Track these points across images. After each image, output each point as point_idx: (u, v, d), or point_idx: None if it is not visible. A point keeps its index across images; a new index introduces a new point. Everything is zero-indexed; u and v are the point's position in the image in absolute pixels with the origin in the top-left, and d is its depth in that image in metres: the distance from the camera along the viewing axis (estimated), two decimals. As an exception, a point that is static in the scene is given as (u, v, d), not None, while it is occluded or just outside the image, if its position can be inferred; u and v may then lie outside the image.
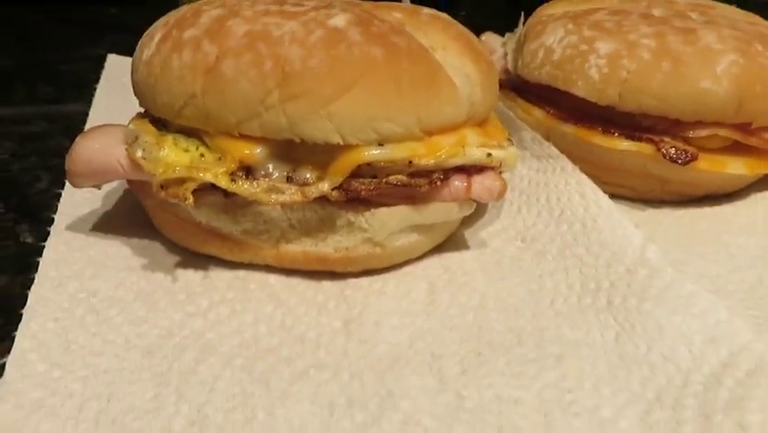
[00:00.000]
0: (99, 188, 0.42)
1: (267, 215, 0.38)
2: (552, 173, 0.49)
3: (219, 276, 0.39)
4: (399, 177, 0.36)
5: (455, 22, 0.43)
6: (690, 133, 0.46)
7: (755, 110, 0.45)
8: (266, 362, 0.33)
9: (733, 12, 0.53)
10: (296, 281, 0.39)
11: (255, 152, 0.36)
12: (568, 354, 0.35)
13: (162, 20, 0.40)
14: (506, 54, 0.58)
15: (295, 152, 0.36)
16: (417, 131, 0.36)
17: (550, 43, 0.50)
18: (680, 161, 0.46)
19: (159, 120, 0.39)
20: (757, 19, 0.53)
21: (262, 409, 0.30)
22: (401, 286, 0.39)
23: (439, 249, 0.43)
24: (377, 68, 0.35)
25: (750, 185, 0.52)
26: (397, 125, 0.35)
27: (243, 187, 0.35)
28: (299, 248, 0.38)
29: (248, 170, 0.36)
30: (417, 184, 0.36)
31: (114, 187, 0.47)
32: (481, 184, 0.39)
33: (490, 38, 0.63)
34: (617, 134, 0.47)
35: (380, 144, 0.35)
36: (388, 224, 0.37)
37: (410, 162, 0.36)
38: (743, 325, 0.35)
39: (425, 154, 0.36)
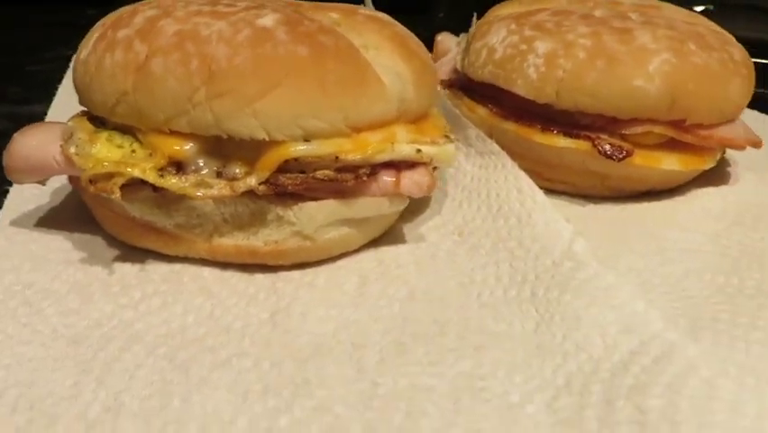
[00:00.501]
0: (44, 184, 0.43)
1: (199, 209, 0.39)
2: (493, 170, 0.50)
3: (155, 269, 0.40)
4: (326, 172, 0.37)
5: (393, 22, 0.44)
6: (626, 130, 0.48)
7: (688, 107, 0.46)
8: (189, 351, 0.34)
9: (676, 12, 0.54)
10: (229, 274, 0.40)
11: (185, 148, 0.37)
12: (487, 344, 0.36)
13: (102, 20, 0.41)
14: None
15: (225, 148, 0.37)
16: (344, 127, 0.37)
17: (493, 43, 0.51)
18: (615, 158, 0.47)
19: (98, 118, 0.40)
20: (699, 19, 0.54)
21: (178, 396, 0.31)
22: (332, 278, 0.40)
23: (376, 243, 0.44)
24: (302, 66, 0.36)
25: (692, 181, 0.53)
26: (322, 122, 0.36)
27: (171, 181, 0.36)
28: (232, 242, 0.39)
29: (179, 166, 0.37)
30: (344, 179, 0.38)
31: (63, 183, 0.48)
32: (410, 179, 0.40)
33: (446, 38, 0.64)
34: (555, 132, 0.48)
35: (307, 140, 0.37)
36: (316, 217, 0.38)
37: (337, 158, 0.37)
38: (657, 315, 0.36)
39: (352, 150, 0.37)
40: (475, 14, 0.60)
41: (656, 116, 0.47)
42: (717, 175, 0.55)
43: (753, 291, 0.40)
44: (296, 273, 0.41)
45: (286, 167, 0.37)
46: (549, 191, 0.51)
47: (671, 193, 0.52)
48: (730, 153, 0.59)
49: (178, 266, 0.41)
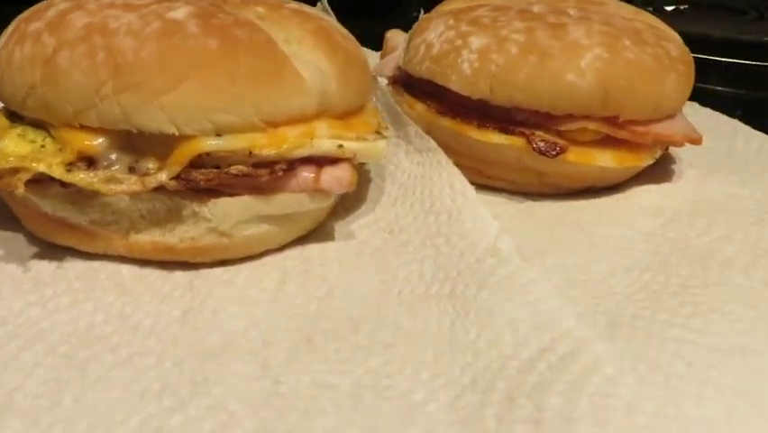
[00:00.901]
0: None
1: (115, 205, 0.38)
2: (430, 166, 0.49)
3: (72, 266, 0.40)
4: (240, 167, 0.37)
5: (319, 16, 0.44)
6: (562, 127, 0.47)
7: (621, 103, 0.46)
8: (92, 349, 0.33)
9: (619, 8, 0.54)
10: (148, 271, 0.40)
11: (95, 142, 0.36)
12: (399, 342, 0.35)
13: (20, 15, 0.41)
14: (406, 50, 0.59)
15: (137, 143, 0.37)
16: (258, 122, 0.37)
17: (431, 39, 0.50)
18: (549, 154, 0.46)
19: (15, 113, 0.39)
20: (642, 15, 0.54)
21: (71, 395, 0.30)
22: (253, 276, 0.40)
23: (303, 240, 0.43)
24: (211, 59, 0.35)
25: (633, 179, 0.53)
26: (233, 116, 0.36)
27: (79, 177, 0.35)
28: (149, 238, 0.39)
29: (90, 161, 0.37)
30: (258, 174, 0.37)
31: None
32: (331, 175, 0.39)
33: (395, 35, 0.64)
34: (491, 128, 0.48)
35: (218, 135, 0.36)
36: (231, 213, 0.38)
37: (251, 153, 0.37)
38: (571, 312, 0.36)
39: (267, 145, 0.37)
40: (422, 10, 0.60)
41: (590, 112, 0.46)
42: (659, 172, 0.55)
43: (677, 288, 0.40)
44: (216, 270, 0.40)
45: (200, 162, 0.37)
46: (489, 188, 0.52)
47: (610, 190, 0.52)
48: (675, 150, 0.59)
49: (96, 263, 0.40)
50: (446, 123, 0.50)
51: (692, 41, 0.61)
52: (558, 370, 0.32)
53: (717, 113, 0.68)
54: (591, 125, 0.47)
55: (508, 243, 0.41)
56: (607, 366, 0.32)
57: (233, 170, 0.37)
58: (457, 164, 0.51)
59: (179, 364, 0.33)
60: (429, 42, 0.50)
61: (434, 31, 0.51)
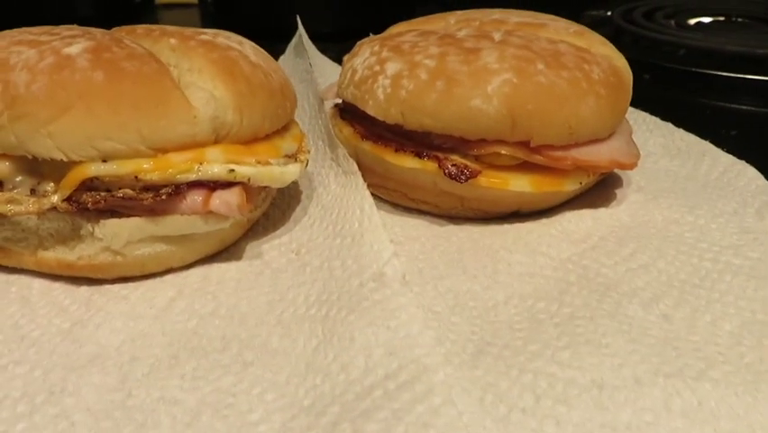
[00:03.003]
0: None
1: (24, 224, 0.41)
2: (349, 189, 0.50)
3: (-10, 280, 0.43)
4: (126, 190, 0.39)
5: (229, 47, 0.46)
6: (475, 151, 0.47)
7: (530, 128, 0.45)
8: (-29, 358, 0.36)
9: (560, 30, 0.53)
10: (56, 286, 0.43)
11: (1, 166, 0.39)
12: (260, 362, 0.36)
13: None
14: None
15: (40, 168, 0.40)
16: (143, 148, 0.39)
17: (356, 64, 0.52)
18: (459, 179, 0.46)
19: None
20: (577, 37, 0.52)
21: (-63, 398, 0.33)
22: (148, 292, 0.42)
23: (211, 259, 0.45)
24: (95, 90, 0.38)
25: (568, 203, 0.52)
26: (117, 143, 0.38)
27: (-17, 198, 0.39)
28: (54, 255, 0.42)
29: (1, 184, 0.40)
30: (142, 198, 0.39)
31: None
32: (220, 198, 0.41)
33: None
34: (408, 152, 0.48)
35: (104, 160, 0.39)
36: (121, 234, 0.40)
37: (137, 177, 0.39)
38: (430, 339, 0.36)
39: (151, 170, 0.39)
40: (370, 34, 0.61)
41: (502, 137, 0.46)
42: (598, 196, 0.53)
43: (562, 319, 0.39)
44: (116, 287, 0.42)
45: (92, 185, 0.39)
46: (415, 211, 0.52)
47: (539, 215, 0.51)
48: (628, 173, 0.58)
49: (13, 277, 0.43)
50: (367, 146, 0.50)
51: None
52: (390, 397, 0.32)
53: (690, 134, 0.65)
54: (504, 150, 0.46)
55: (395, 268, 0.41)
56: (436, 396, 0.32)
57: (120, 193, 0.39)
58: (383, 187, 0.52)
59: (46, 374, 0.35)
60: (354, 68, 0.52)
61: (361, 56, 0.52)
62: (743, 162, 0.58)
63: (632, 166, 0.50)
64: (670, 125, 0.67)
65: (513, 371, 0.35)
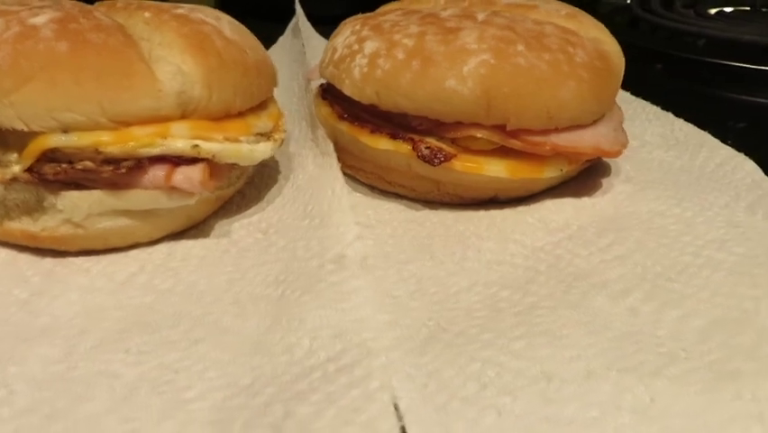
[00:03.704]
0: None
1: (-9, 194, 0.42)
2: (324, 169, 0.50)
3: (-39, 249, 0.44)
4: (86, 163, 0.39)
5: (203, 21, 0.45)
6: (451, 134, 0.46)
7: (506, 111, 0.44)
8: (-71, 323, 0.37)
9: (551, 12, 0.51)
10: (21, 256, 0.43)
11: (-33, 136, 0.40)
12: (209, 340, 0.36)
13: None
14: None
15: (3, 137, 0.40)
16: (104, 120, 0.39)
17: (337, 43, 0.51)
18: (433, 162, 0.45)
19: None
20: (576, 20, 0.51)
21: None
22: (110, 266, 0.42)
23: (178, 235, 0.45)
24: (58, 61, 0.38)
25: (551, 191, 0.50)
26: (78, 115, 0.38)
27: (-52, 167, 0.39)
28: (18, 226, 0.42)
29: (-32, 153, 0.40)
30: (101, 170, 0.39)
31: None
32: (183, 174, 0.41)
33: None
34: (383, 134, 0.47)
35: (65, 132, 0.38)
36: (81, 206, 0.40)
37: (97, 150, 0.39)
38: (379, 324, 0.35)
39: (112, 142, 0.39)
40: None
41: (478, 120, 0.44)
42: (582, 185, 0.52)
43: (523, 309, 0.38)
44: (79, 259, 0.43)
45: (54, 156, 0.39)
46: (392, 195, 0.51)
47: (518, 202, 0.49)
48: (617, 163, 0.56)
49: (-18, 247, 0.44)
50: (344, 127, 0.50)
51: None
52: (327, 380, 0.31)
53: (690, 125, 0.62)
54: (480, 133, 0.45)
55: (357, 250, 0.41)
56: (374, 381, 0.31)
57: (80, 165, 0.39)
58: (361, 170, 0.52)
59: (-4, 343, 0.35)
60: (335, 47, 0.51)
61: (342, 35, 0.51)
62: (741, 155, 0.56)
63: (616, 154, 0.48)
64: (670, 115, 0.65)
65: (461, 359, 0.34)
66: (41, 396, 0.32)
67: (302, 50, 0.73)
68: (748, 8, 1.08)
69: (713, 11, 1.06)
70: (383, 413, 0.29)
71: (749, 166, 0.54)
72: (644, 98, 0.69)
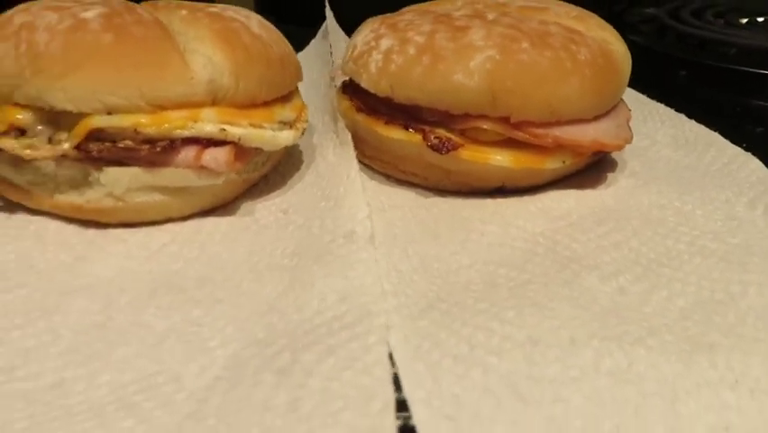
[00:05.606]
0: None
1: (44, 169, 0.46)
2: (342, 158, 0.53)
3: (14, 217, 0.48)
4: (127, 142, 0.44)
5: (233, 18, 0.49)
6: (459, 125, 0.49)
7: (510, 104, 0.47)
8: (-20, 276, 0.41)
9: (560, 14, 0.54)
10: (68, 227, 0.47)
11: (23, 116, 0.45)
12: (228, 300, 0.40)
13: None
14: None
15: (56, 118, 0.45)
16: (143, 104, 0.43)
17: (357, 41, 0.54)
18: (441, 151, 0.48)
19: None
20: (584, 22, 0.53)
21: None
22: (145, 237, 0.46)
23: (207, 213, 0.49)
24: (103, 51, 0.43)
25: (556, 182, 0.53)
26: (119, 98, 0.43)
27: (7, 144, 0.44)
28: (67, 199, 0.47)
29: (22, 132, 0.45)
30: (140, 149, 0.44)
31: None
32: (210, 155, 0.45)
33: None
34: (397, 124, 0.51)
35: (109, 114, 0.43)
36: (121, 181, 0.45)
37: (136, 130, 0.43)
38: (380, 290, 0.38)
39: (149, 124, 0.43)
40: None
41: (484, 112, 0.48)
42: (587, 178, 0.54)
43: (517, 283, 0.41)
44: (118, 230, 0.47)
45: (99, 136, 0.44)
46: (405, 183, 0.54)
47: (522, 192, 0.52)
48: (622, 158, 0.58)
49: (34, 217, 0.49)
50: (361, 118, 0.53)
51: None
52: (331, 334, 0.35)
53: (701, 126, 0.64)
54: (486, 125, 0.48)
55: (366, 227, 0.44)
56: (372, 336, 0.34)
57: (121, 144, 0.44)
58: (378, 159, 0.55)
59: (44, 297, 0.40)
60: (355, 44, 0.54)
61: (362, 34, 0.55)
62: (748, 154, 0.58)
63: (616, 148, 0.50)
64: (682, 117, 0.67)
65: (455, 323, 0.37)
66: (82, 339, 0.36)
67: (329, 50, 0.77)
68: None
69: (744, 20, 1.07)
70: (379, 362, 0.32)
71: (754, 164, 0.56)
72: (667, 104, 0.70)
